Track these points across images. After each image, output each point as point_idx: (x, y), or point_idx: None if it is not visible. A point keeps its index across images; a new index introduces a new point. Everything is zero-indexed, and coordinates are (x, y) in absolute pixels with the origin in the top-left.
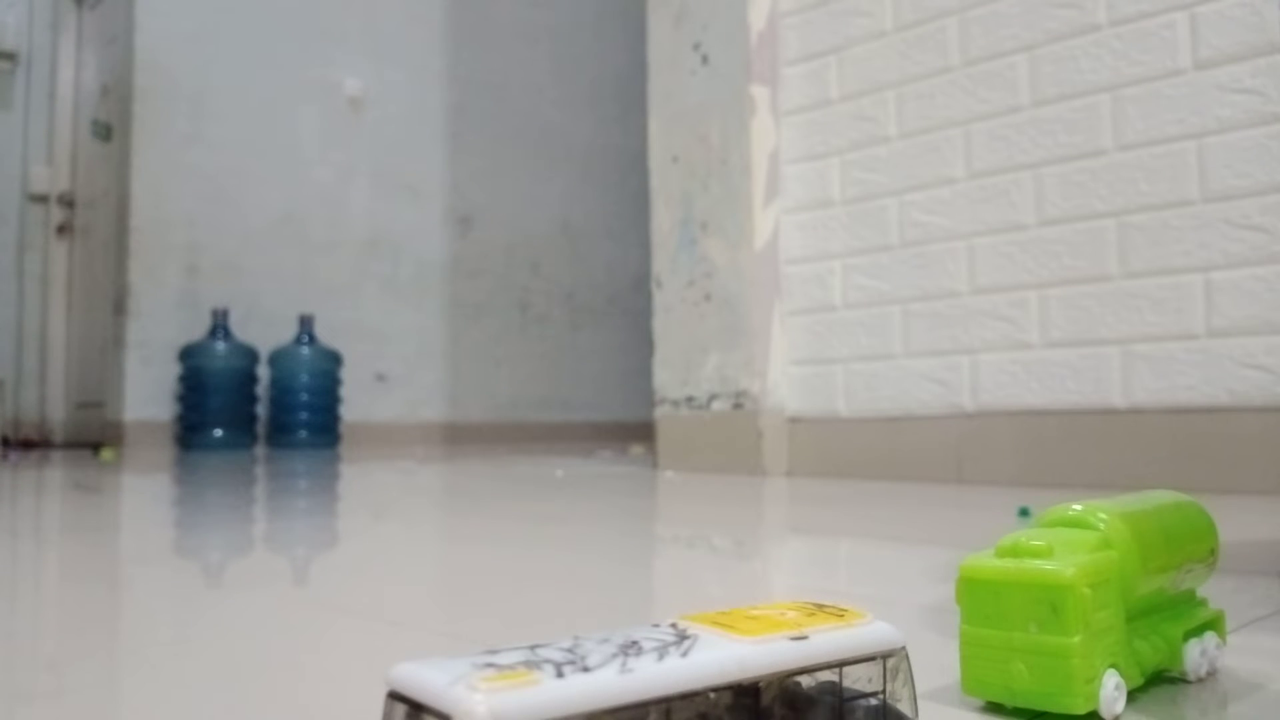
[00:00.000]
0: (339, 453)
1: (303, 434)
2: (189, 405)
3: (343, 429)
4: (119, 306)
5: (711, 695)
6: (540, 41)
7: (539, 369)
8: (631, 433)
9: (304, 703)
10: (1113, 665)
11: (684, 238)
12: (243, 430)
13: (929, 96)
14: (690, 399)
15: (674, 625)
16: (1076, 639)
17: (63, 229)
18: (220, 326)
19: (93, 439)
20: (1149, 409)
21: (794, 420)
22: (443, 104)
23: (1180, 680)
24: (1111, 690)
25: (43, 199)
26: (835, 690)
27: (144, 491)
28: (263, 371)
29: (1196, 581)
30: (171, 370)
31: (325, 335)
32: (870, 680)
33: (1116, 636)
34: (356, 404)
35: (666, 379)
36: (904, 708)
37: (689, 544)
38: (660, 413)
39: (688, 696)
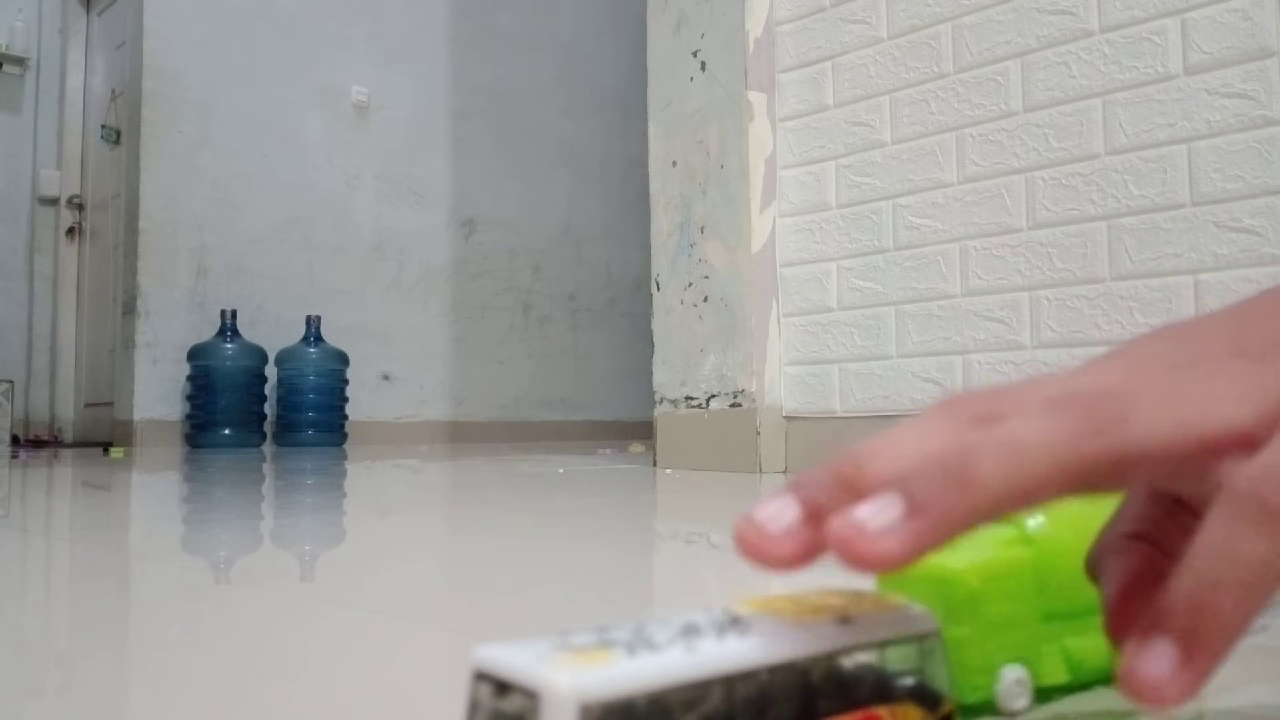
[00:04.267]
0: (345, 451)
1: (309, 433)
2: (197, 405)
3: (349, 428)
4: (128, 308)
5: (767, 674)
6: (543, 49)
7: (541, 369)
8: (632, 431)
9: (311, 697)
10: (1020, 661)
11: (683, 241)
12: (251, 429)
13: (923, 102)
14: (689, 398)
15: (726, 609)
16: (965, 630)
17: (72, 231)
18: (228, 327)
19: (102, 438)
20: None
21: (791, 419)
22: (447, 110)
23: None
24: (1011, 685)
25: (52, 202)
26: (876, 669)
27: (153, 489)
28: (270, 371)
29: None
30: (180, 370)
31: (332, 336)
32: (907, 660)
33: (1026, 633)
34: (362, 403)
35: (666, 379)
36: (938, 687)
37: (688, 540)
38: (659, 412)
39: (746, 675)
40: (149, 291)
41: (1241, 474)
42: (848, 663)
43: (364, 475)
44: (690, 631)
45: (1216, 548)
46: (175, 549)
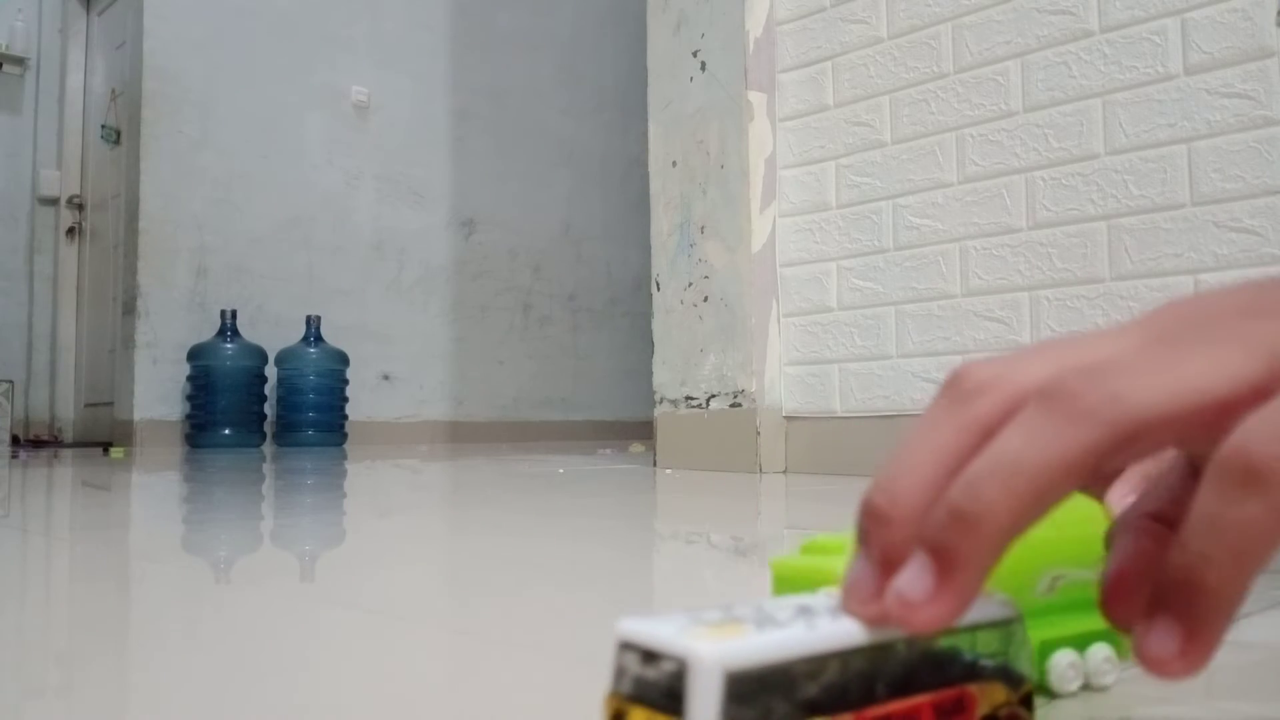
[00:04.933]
0: (345, 451)
1: (310, 433)
2: (198, 404)
3: (349, 428)
4: (128, 307)
5: (875, 651)
6: (543, 49)
7: (541, 369)
8: (632, 431)
9: (311, 697)
10: None
11: (683, 241)
12: (251, 429)
13: (923, 102)
14: (689, 398)
15: (829, 594)
16: None
17: (72, 231)
18: (228, 327)
19: (102, 438)
20: None
21: (791, 419)
22: (447, 110)
23: (1049, 693)
24: None
25: (52, 202)
26: (967, 651)
27: (153, 489)
28: (270, 371)
29: (1080, 590)
30: (180, 370)
31: (332, 336)
32: (993, 644)
33: None
34: (362, 403)
35: (666, 379)
36: (1019, 669)
37: (688, 540)
38: (660, 412)
39: (858, 651)
40: (149, 291)
41: (1233, 434)
42: (943, 644)
43: (364, 475)
44: (805, 611)
45: (1205, 516)
46: (175, 549)
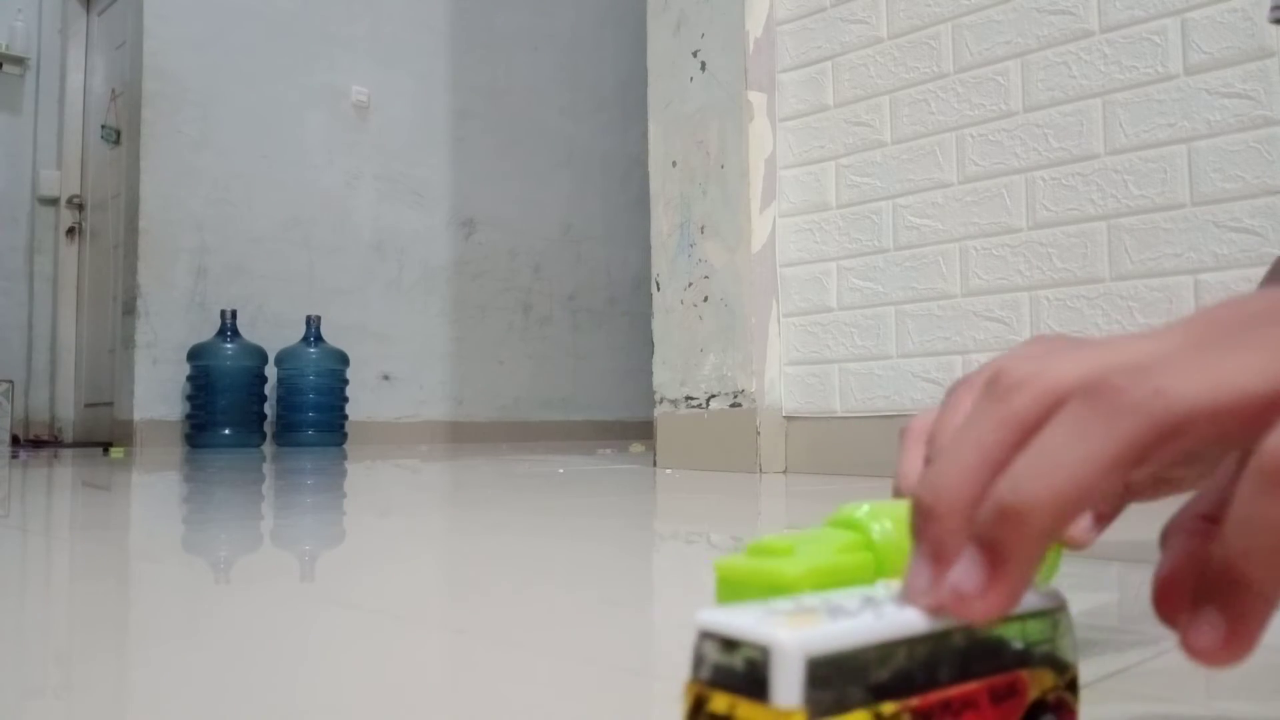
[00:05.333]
0: (345, 451)
1: (310, 433)
2: (198, 404)
3: (349, 428)
4: (128, 308)
5: (937, 639)
6: (543, 49)
7: (541, 369)
8: (632, 431)
9: (311, 697)
10: None
11: (683, 241)
12: (251, 429)
13: (923, 102)
14: (689, 398)
15: (889, 585)
16: None
17: (72, 231)
18: (228, 327)
19: (102, 438)
20: None
21: (791, 419)
22: (447, 110)
23: None
24: None
25: (52, 202)
26: (1019, 638)
27: (153, 489)
28: (270, 371)
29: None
30: (180, 370)
31: (332, 336)
32: (1042, 632)
33: None
34: (362, 403)
35: (666, 379)
36: (1065, 656)
37: (688, 540)
38: (660, 412)
39: (923, 639)
40: (149, 291)
41: (1270, 433)
42: (996, 632)
43: (364, 475)
44: (871, 602)
45: (1243, 514)
46: (175, 549)
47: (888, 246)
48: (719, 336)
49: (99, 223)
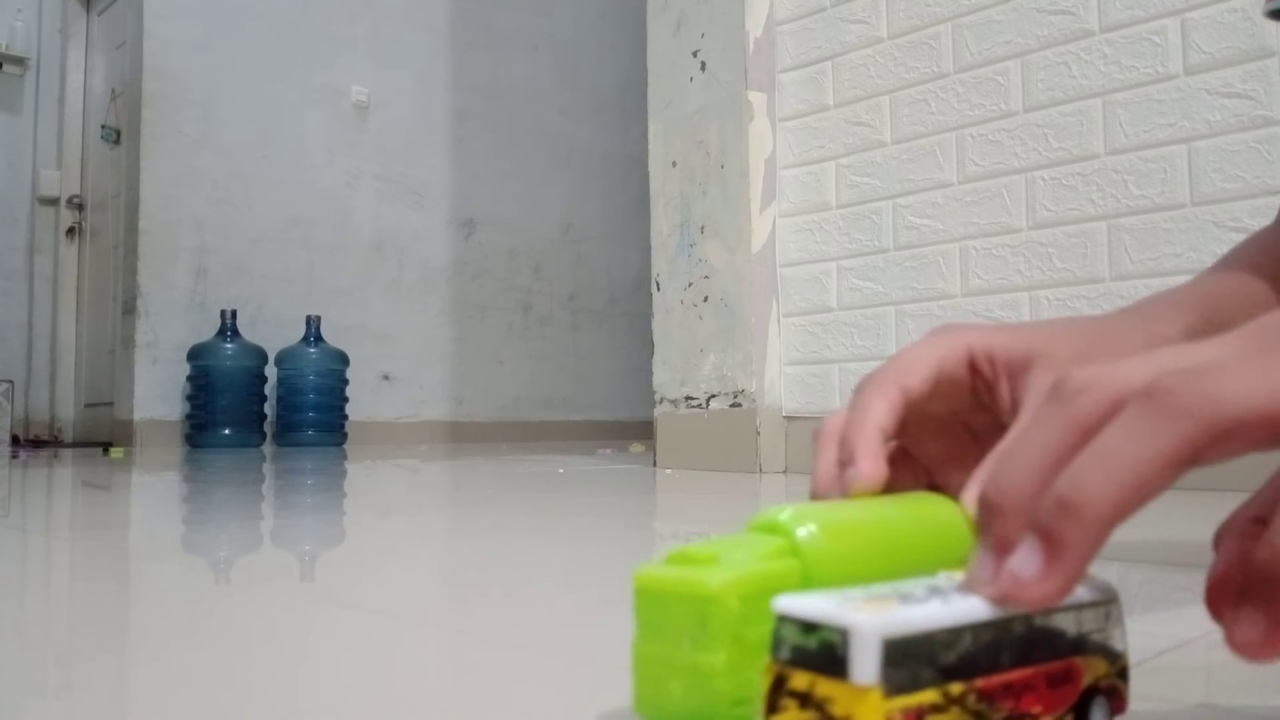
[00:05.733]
0: (345, 451)
1: (310, 433)
2: (198, 404)
3: (349, 428)
4: (128, 308)
5: (999, 625)
6: (543, 49)
7: (541, 369)
8: (632, 431)
9: (311, 697)
10: None
11: (683, 241)
12: (251, 429)
13: (923, 102)
14: (689, 398)
15: (950, 575)
16: (721, 657)
17: (72, 231)
18: (228, 327)
19: (102, 438)
20: None
21: (791, 419)
22: (447, 110)
23: None
24: None
25: (52, 202)
26: (1073, 627)
27: (153, 489)
28: (270, 371)
29: None
30: (180, 370)
31: (332, 336)
32: (1095, 621)
33: None
34: (362, 403)
35: (666, 379)
36: (1116, 645)
37: (688, 540)
38: (660, 412)
39: (986, 625)
40: (149, 291)
41: None
42: (1053, 621)
43: (364, 475)
44: (938, 591)
45: None
46: (175, 549)
47: (888, 246)
48: (719, 336)
49: (99, 223)
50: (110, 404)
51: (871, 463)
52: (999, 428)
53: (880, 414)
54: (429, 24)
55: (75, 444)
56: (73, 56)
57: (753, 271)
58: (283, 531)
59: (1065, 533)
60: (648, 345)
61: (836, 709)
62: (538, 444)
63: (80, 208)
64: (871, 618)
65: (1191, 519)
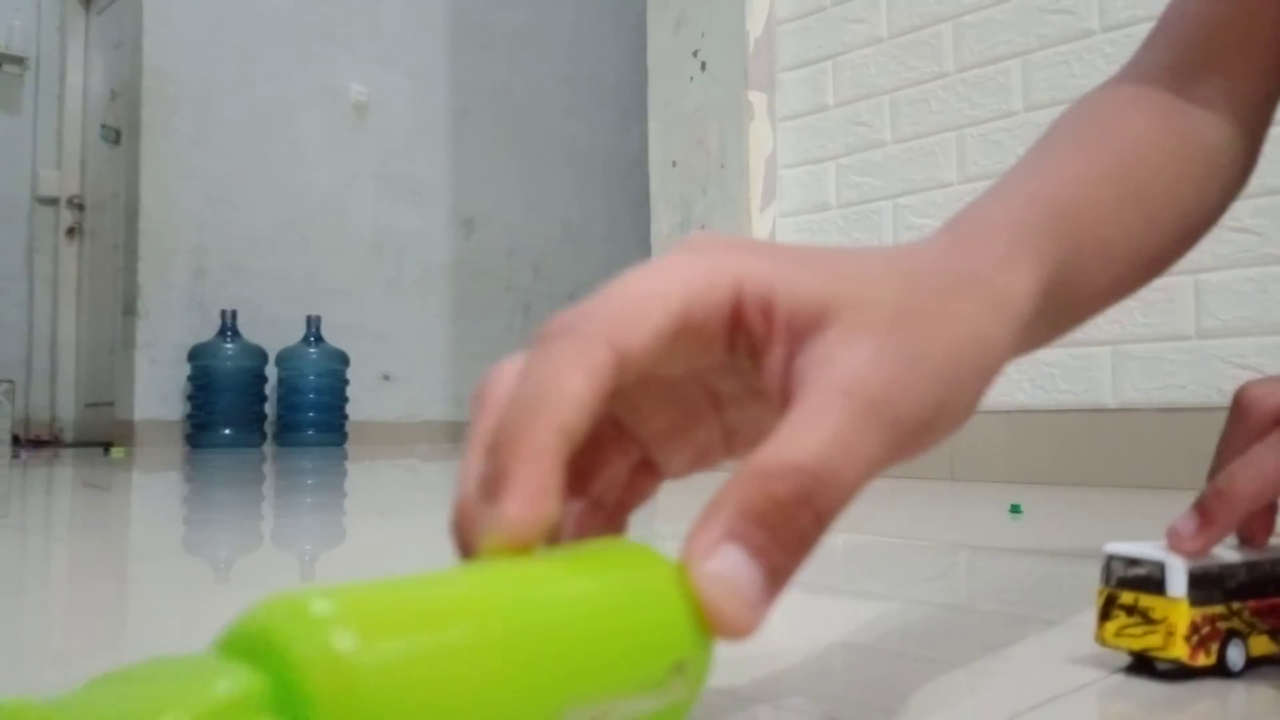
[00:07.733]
0: (345, 451)
1: (310, 433)
2: (198, 404)
3: (349, 428)
4: (128, 308)
5: (1265, 564)
6: (542, 48)
7: None
8: None
9: None
10: None
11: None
12: (251, 429)
13: (923, 102)
14: None
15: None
16: None
17: (72, 231)
18: (228, 327)
19: (103, 438)
20: (1139, 408)
21: None
22: (446, 109)
23: None
24: None
25: (52, 202)
26: None
27: (153, 489)
28: (270, 371)
29: (649, 709)
30: (180, 370)
31: (331, 336)
32: None
33: None
34: (362, 403)
35: None
36: None
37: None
38: None
39: (1253, 563)
40: (149, 291)
41: None
42: None
43: (364, 475)
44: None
45: None
46: (175, 549)
47: (888, 246)
48: None
49: (99, 223)
50: (110, 404)
51: (526, 502)
52: (754, 394)
53: (566, 405)
54: (428, 23)
55: (75, 444)
56: (72, 56)
57: None
58: (283, 531)
59: (1215, 511)
60: None
61: (1156, 614)
62: None
63: (80, 208)
64: (1180, 556)
65: None
